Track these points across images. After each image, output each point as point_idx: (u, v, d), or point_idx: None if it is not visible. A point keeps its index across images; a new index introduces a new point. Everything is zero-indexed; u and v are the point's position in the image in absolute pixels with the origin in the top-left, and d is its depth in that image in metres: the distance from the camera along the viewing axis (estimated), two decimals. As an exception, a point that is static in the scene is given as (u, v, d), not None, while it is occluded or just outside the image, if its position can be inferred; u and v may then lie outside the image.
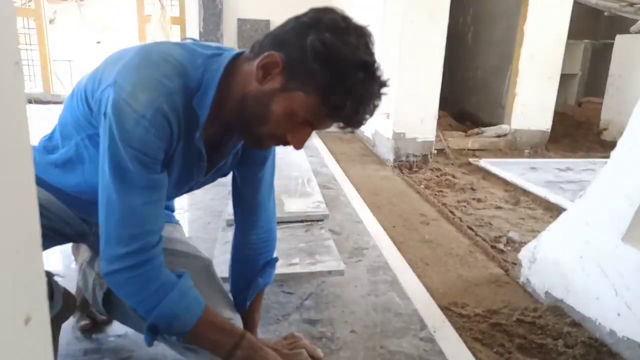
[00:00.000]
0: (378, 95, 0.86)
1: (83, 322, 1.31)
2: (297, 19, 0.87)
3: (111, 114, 0.82)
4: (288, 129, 0.88)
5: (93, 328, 1.32)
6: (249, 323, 1.18)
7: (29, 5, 5.77)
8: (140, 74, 0.83)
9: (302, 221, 2.14)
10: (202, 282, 1.06)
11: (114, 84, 0.82)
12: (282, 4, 5.62)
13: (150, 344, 0.94)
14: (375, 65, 0.84)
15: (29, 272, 0.47)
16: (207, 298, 0.99)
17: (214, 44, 0.97)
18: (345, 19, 0.84)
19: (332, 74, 0.81)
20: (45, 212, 0.99)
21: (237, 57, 0.93)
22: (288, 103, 0.86)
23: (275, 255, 1.23)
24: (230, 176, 1.17)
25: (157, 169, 0.88)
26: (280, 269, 1.69)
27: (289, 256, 1.80)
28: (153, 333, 0.93)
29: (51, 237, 1.05)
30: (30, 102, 5.20)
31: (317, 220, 2.15)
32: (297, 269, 1.70)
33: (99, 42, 6.59)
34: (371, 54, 0.84)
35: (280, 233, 2.00)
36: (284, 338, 1.18)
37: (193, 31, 5.53)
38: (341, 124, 0.89)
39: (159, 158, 0.87)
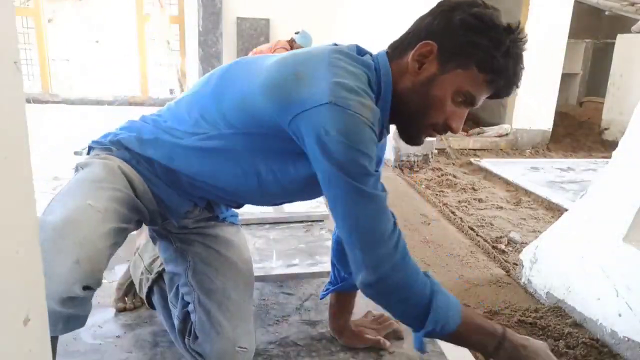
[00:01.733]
0: (523, 57, 0.92)
1: (120, 304, 1.40)
2: (430, 13, 0.93)
3: (343, 129, 0.82)
4: (449, 112, 0.92)
5: (126, 310, 1.40)
6: (349, 305, 1.30)
7: (27, 5, 5.76)
8: (351, 86, 0.85)
9: (302, 221, 2.13)
10: (239, 300, 1.14)
11: (334, 101, 0.83)
12: (281, 3, 5.62)
13: (423, 350, 0.91)
14: (520, 27, 0.90)
15: (29, 273, 0.47)
16: (232, 320, 1.09)
17: (348, 45, 1.01)
18: None
19: (490, 40, 0.87)
20: (137, 207, 1.02)
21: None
22: (450, 83, 0.90)
23: None
24: None
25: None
26: (279, 269, 1.69)
27: (289, 257, 1.79)
28: (429, 336, 0.90)
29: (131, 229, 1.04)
30: (28, 101, 5.19)
31: (317, 221, 2.15)
32: (297, 270, 1.70)
33: (97, 42, 6.59)
34: None
35: (280, 233, 2.00)
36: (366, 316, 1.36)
37: (192, 30, 5.53)
38: (496, 92, 0.92)
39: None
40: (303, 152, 0.90)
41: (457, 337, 0.90)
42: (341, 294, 1.29)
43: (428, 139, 1.02)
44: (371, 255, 0.85)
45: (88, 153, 1.09)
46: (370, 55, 1.00)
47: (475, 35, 0.87)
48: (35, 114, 4.74)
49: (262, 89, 0.92)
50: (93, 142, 1.10)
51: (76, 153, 2.96)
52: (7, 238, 0.43)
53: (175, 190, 1.08)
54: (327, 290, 1.32)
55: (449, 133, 1.00)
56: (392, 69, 0.95)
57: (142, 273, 1.32)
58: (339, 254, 1.26)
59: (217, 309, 1.10)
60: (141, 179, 1.04)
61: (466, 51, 0.88)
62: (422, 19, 0.95)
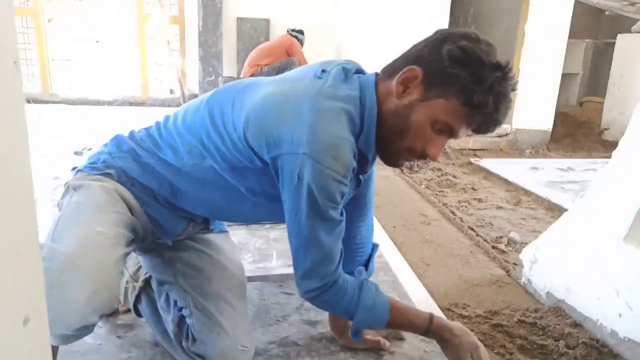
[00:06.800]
0: (510, 97, 0.93)
1: None
2: (425, 39, 0.96)
3: (313, 181, 0.90)
4: (427, 139, 0.95)
5: (113, 314, 1.38)
6: None
7: (27, 4, 5.75)
8: (328, 138, 0.90)
9: (302, 221, 2.13)
10: (234, 300, 1.15)
11: (309, 154, 0.89)
12: (281, 3, 5.61)
13: (359, 340, 1.17)
14: (508, 67, 0.91)
15: (29, 273, 0.47)
16: (231, 319, 1.10)
17: (339, 62, 1.02)
18: (474, 32, 0.93)
19: (472, 75, 0.89)
20: (136, 228, 1.05)
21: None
22: (429, 111, 0.92)
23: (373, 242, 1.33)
24: None
25: (341, 212, 0.99)
26: (279, 269, 1.69)
27: (289, 256, 1.79)
28: (358, 333, 1.15)
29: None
30: (28, 101, 5.19)
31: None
32: (298, 269, 1.69)
33: (97, 42, 6.59)
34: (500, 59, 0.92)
35: (280, 233, 2.00)
36: None
37: (192, 30, 5.52)
38: (477, 127, 0.95)
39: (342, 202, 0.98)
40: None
41: (391, 324, 1.09)
42: None
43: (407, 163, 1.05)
44: (322, 268, 0.98)
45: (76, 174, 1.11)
46: (360, 75, 1.01)
47: (460, 67, 0.89)
48: (35, 114, 4.74)
49: (247, 126, 0.95)
50: (86, 167, 1.10)
51: (76, 153, 2.96)
52: (7, 238, 0.43)
53: (171, 212, 1.11)
54: None
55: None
56: (379, 90, 0.98)
57: (127, 282, 1.30)
58: None
59: (215, 309, 1.10)
60: (136, 201, 1.06)
61: (449, 82, 0.90)
62: (416, 45, 0.98)
